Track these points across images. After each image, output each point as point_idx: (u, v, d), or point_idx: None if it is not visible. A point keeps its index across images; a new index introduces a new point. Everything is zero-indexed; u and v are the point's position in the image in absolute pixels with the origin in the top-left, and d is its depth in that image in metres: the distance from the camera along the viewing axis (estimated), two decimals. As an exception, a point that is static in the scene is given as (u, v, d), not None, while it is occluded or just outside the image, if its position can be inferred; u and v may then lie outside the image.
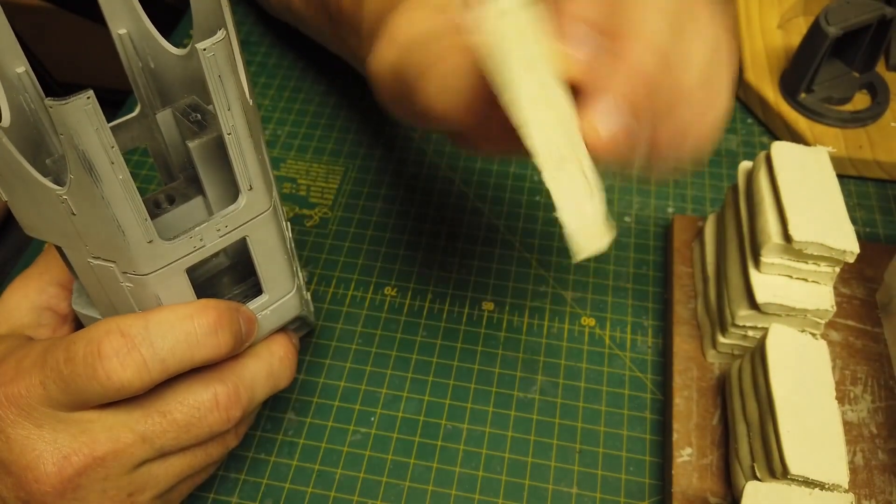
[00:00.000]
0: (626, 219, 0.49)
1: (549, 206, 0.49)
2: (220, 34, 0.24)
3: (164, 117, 0.31)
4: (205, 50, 0.24)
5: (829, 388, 0.33)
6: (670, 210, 0.49)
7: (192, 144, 0.28)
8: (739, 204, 0.39)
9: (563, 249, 0.47)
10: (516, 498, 0.37)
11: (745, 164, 0.40)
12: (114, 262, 0.26)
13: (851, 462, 0.36)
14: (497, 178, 0.51)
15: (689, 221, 0.46)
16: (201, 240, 0.27)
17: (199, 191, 0.30)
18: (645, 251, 0.47)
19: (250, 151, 0.27)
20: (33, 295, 0.33)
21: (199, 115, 0.30)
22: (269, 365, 0.32)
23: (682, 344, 0.41)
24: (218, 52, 0.24)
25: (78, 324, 0.33)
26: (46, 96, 0.24)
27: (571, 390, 0.41)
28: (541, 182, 0.51)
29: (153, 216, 0.31)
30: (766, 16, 0.58)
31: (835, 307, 0.36)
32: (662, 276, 0.46)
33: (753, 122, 0.55)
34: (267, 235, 0.29)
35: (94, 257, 0.26)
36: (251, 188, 0.27)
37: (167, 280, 0.27)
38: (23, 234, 0.50)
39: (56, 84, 0.92)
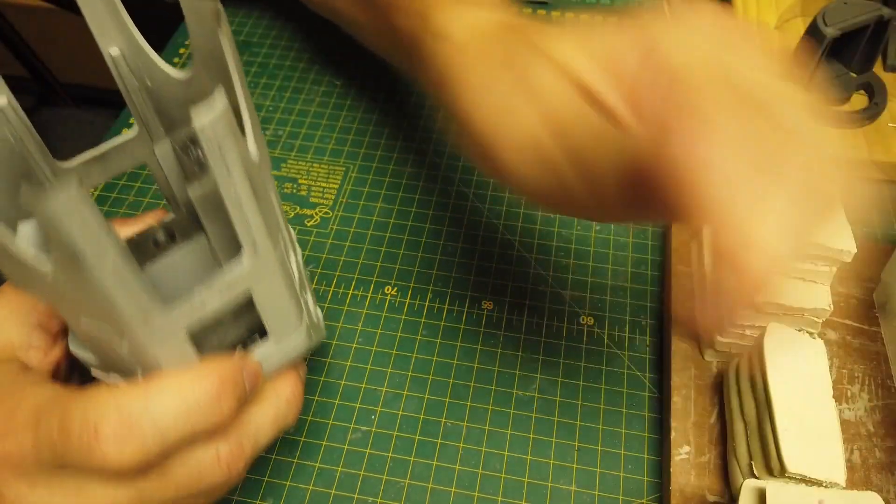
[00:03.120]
0: (625, 218, 0.49)
1: (549, 206, 0.50)
2: (219, 105, 0.20)
3: (163, 149, 0.29)
4: (203, 129, 0.21)
5: (826, 386, 0.33)
6: (669, 210, 0.49)
7: (193, 194, 0.26)
8: (737, 203, 0.40)
9: (562, 249, 0.47)
10: (516, 495, 0.37)
11: (743, 164, 0.41)
12: (108, 324, 0.24)
13: (849, 460, 0.36)
14: (496, 178, 0.51)
15: (688, 221, 0.46)
16: (202, 303, 0.25)
17: (202, 228, 0.28)
18: (643, 251, 0.47)
19: (255, 214, 0.24)
20: (24, 312, 0.31)
21: (200, 151, 0.27)
22: (276, 408, 0.30)
23: (680, 343, 0.41)
24: (217, 127, 0.21)
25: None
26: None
27: (570, 388, 0.41)
28: (540, 182, 0.51)
29: (150, 258, 0.28)
30: (764, 16, 0.58)
31: (832, 306, 0.36)
32: (660, 276, 0.46)
33: (752, 122, 0.55)
34: (272, 287, 0.27)
35: (87, 317, 0.25)
36: (255, 251, 0.25)
37: (166, 341, 0.25)
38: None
39: (58, 84, 0.92)
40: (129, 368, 0.27)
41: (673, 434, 0.37)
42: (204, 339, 0.27)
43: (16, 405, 0.26)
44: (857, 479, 0.36)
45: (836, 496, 0.29)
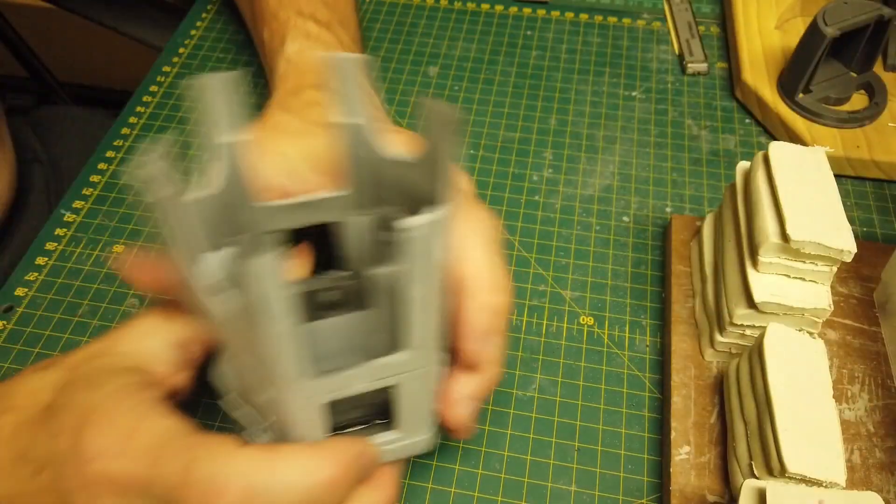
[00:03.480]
0: (625, 219, 0.49)
1: (548, 206, 0.50)
2: (436, 214, 0.21)
3: (364, 219, 0.30)
4: (410, 230, 0.21)
5: (826, 386, 0.33)
6: (668, 210, 0.49)
7: (376, 273, 0.26)
8: (737, 203, 0.40)
9: (562, 249, 0.47)
10: (515, 496, 0.37)
11: (742, 164, 0.41)
12: (259, 373, 0.25)
13: (849, 460, 0.36)
14: (496, 177, 0.51)
15: (687, 221, 0.46)
16: (348, 383, 0.26)
17: (372, 302, 0.29)
18: (643, 251, 0.47)
19: (427, 317, 0.25)
20: (173, 328, 0.29)
21: (391, 236, 0.28)
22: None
23: (680, 343, 0.41)
24: (424, 233, 0.21)
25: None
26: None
27: (570, 388, 0.41)
28: (539, 182, 0.51)
29: (313, 315, 0.29)
30: (763, 17, 0.58)
31: (832, 306, 0.36)
32: (660, 276, 0.46)
33: (751, 122, 0.55)
34: (417, 386, 0.28)
35: (246, 356, 0.25)
36: (415, 350, 0.26)
37: (304, 406, 0.26)
38: (27, 237, 0.50)
39: (57, 84, 0.92)
40: (260, 412, 0.27)
41: (673, 434, 0.37)
42: (334, 409, 0.27)
43: (134, 425, 0.26)
44: (857, 479, 0.36)
45: (836, 496, 0.29)
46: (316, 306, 0.31)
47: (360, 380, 0.26)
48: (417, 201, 0.26)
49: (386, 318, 0.27)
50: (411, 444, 0.30)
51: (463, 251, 0.29)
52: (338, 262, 0.32)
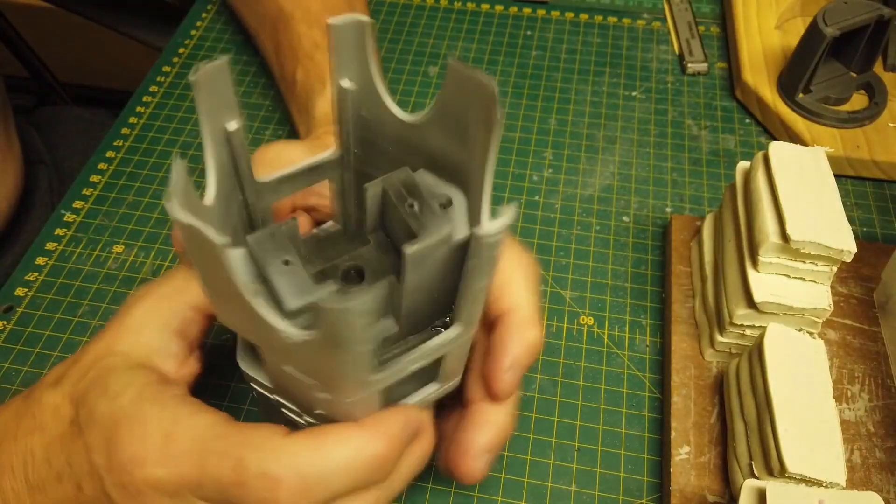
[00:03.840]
0: (625, 219, 0.49)
1: (548, 206, 0.50)
2: (507, 220, 0.22)
3: (374, 189, 0.29)
4: (485, 236, 0.22)
5: (826, 386, 0.33)
6: (668, 210, 0.49)
7: (409, 251, 0.25)
8: (737, 204, 0.40)
9: (562, 249, 0.47)
10: (515, 496, 0.37)
11: (742, 164, 0.41)
12: (315, 381, 0.24)
13: (849, 460, 0.36)
14: (497, 177, 0.51)
15: (687, 221, 0.46)
16: (407, 366, 0.26)
17: (391, 268, 0.29)
18: (643, 251, 0.47)
19: (479, 301, 0.25)
20: (166, 315, 0.29)
21: (415, 204, 0.27)
22: (415, 457, 0.29)
23: (681, 343, 0.41)
24: (499, 238, 0.22)
25: (206, 356, 0.31)
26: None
27: (570, 388, 0.41)
28: (539, 182, 0.51)
29: (343, 287, 0.29)
30: (763, 16, 0.58)
31: (832, 306, 0.36)
32: (661, 276, 0.46)
33: (751, 122, 0.55)
34: (462, 350, 0.28)
35: (294, 369, 0.25)
36: (468, 326, 0.26)
37: (364, 396, 0.25)
38: (31, 237, 0.50)
39: (57, 84, 0.92)
40: (303, 404, 0.27)
41: (673, 434, 0.37)
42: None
43: (169, 429, 0.26)
44: (857, 479, 0.36)
45: (836, 496, 0.29)
46: (342, 277, 0.30)
47: (417, 361, 0.26)
48: (430, 161, 0.26)
49: (416, 284, 0.27)
50: (443, 391, 0.31)
51: (509, 286, 0.30)
52: (353, 235, 0.32)
